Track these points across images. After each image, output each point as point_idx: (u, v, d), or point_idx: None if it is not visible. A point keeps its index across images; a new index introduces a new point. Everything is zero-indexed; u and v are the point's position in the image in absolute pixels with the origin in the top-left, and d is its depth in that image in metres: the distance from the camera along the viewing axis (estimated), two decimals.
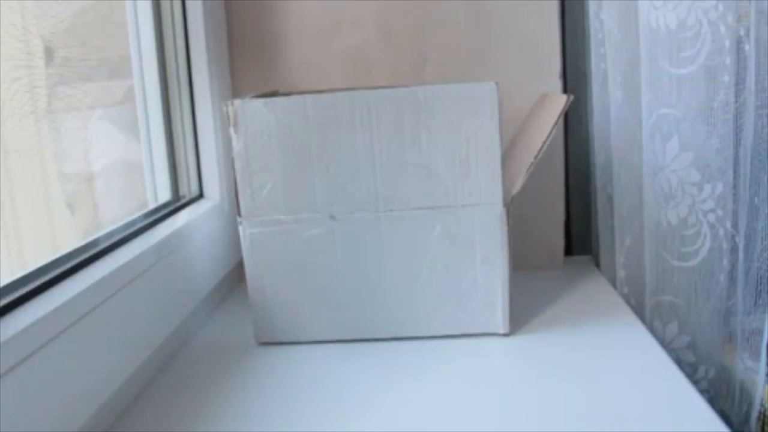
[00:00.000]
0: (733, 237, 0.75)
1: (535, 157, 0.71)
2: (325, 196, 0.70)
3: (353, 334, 0.73)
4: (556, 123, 0.71)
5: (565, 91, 0.92)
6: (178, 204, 0.83)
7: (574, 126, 0.95)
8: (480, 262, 0.71)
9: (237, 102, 0.69)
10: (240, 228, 0.71)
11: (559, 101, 0.73)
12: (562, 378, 0.63)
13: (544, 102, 0.81)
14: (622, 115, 0.82)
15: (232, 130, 0.69)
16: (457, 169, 0.69)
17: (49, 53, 0.68)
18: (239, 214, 0.71)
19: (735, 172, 0.74)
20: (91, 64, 0.76)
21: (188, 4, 0.85)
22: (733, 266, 0.76)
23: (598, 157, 0.90)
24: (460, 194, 0.69)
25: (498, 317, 0.72)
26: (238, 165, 0.70)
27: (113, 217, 0.75)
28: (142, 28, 0.82)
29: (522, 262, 0.89)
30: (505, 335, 0.72)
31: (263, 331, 0.74)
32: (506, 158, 0.77)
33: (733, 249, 0.75)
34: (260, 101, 0.69)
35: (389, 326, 0.73)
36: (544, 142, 0.71)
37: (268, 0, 0.91)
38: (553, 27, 0.90)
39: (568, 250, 0.98)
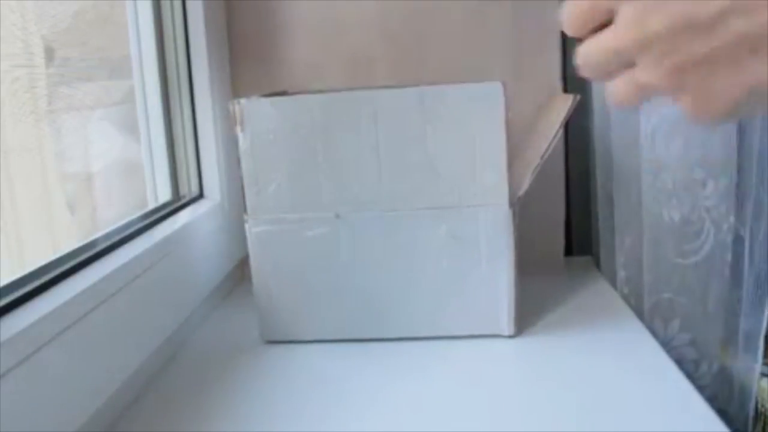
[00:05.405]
0: (735, 234, 0.75)
1: (542, 157, 0.70)
2: (330, 195, 0.70)
3: (358, 333, 0.73)
4: (562, 123, 0.71)
5: (565, 91, 0.92)
6: (178, 204, 0.83)
7: (574, 126, 0.95)
8: (485, 263, 0.70)
9: (243, 101, 0.69)
10: (246, 226, 0.71)
11: (566, 101, 0.73)
12: (563, 378, 0.63)
13: (551, 102, 0.81)
14: (622, 115, 0.82)
15: (238, 129, 0.69)
16: (463, 170, 0.68)
17: (49, 53, 0.68)
18: (245, 213, 0.71)
19: (738, 169, 0.74)
20: (91, 64, 0.76)
21: (188, 4, 0.85)
22: (735, 264, 0.75)
23: (598, 157, 0.90)
24: (465, 194, 0.69)
25: (503, 319, 0.72)
26: (244, 164, 0.70)
27: (113, 217, 0.75)
28: (142, 28, 0.82)
29: (522, 263, 0.88)
30: (510, 337, 0.72)
31: (269, 329, 0.74)
32: (512, 159, 0.77)
33: (735, 247, 0.75)
34: (266, 100, 0.69)
35: (394, 326, 0.72)
36: (551, 143, 0.70)
37: (268, 0, 0.91)
38: (553, 27, 0.90)
39: (568, 250, 0.98)
